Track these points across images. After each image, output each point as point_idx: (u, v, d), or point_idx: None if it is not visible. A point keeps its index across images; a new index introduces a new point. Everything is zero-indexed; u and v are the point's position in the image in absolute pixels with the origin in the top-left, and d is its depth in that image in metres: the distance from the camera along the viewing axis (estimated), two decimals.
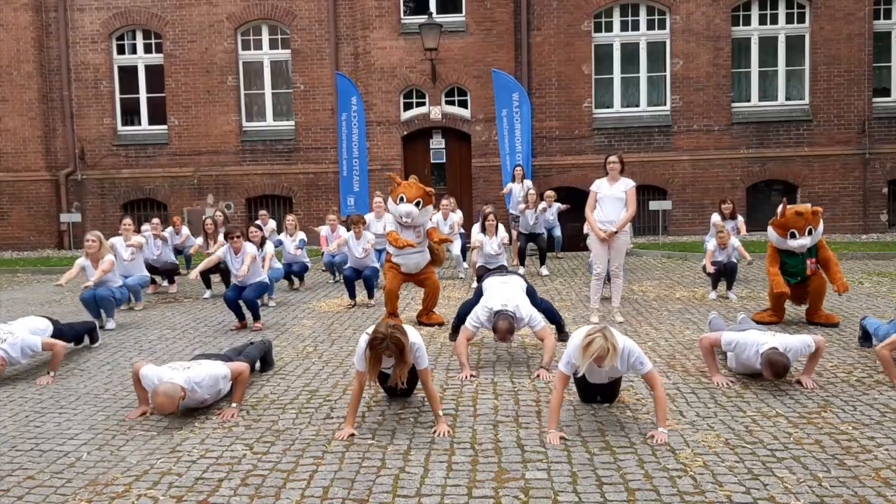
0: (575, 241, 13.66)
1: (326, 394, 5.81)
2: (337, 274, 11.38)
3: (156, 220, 11.27)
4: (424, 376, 5.09)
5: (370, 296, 9.66)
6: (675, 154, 15.54)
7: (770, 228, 7.82)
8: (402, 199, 7.94)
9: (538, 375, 6.08)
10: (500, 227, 9.96)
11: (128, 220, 10.08)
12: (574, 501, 3.87)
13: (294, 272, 10.97)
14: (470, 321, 6.41)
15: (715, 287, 9.55)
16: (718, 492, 3.93)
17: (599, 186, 8.44)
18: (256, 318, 8.39)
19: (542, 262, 12.00)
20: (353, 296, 9.55)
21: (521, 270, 11.61)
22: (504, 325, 6.10)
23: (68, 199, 16.25)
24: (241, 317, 8.39)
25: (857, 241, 14.32)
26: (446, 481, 4.15)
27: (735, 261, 9.59)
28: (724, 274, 9.47)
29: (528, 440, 4.72)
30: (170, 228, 11.78)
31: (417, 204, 7.92)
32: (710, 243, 9.91)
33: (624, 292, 9.05)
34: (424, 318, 8.30)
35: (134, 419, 5.31)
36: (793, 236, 7.57)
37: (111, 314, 8.56)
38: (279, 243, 10.78)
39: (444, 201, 11.87)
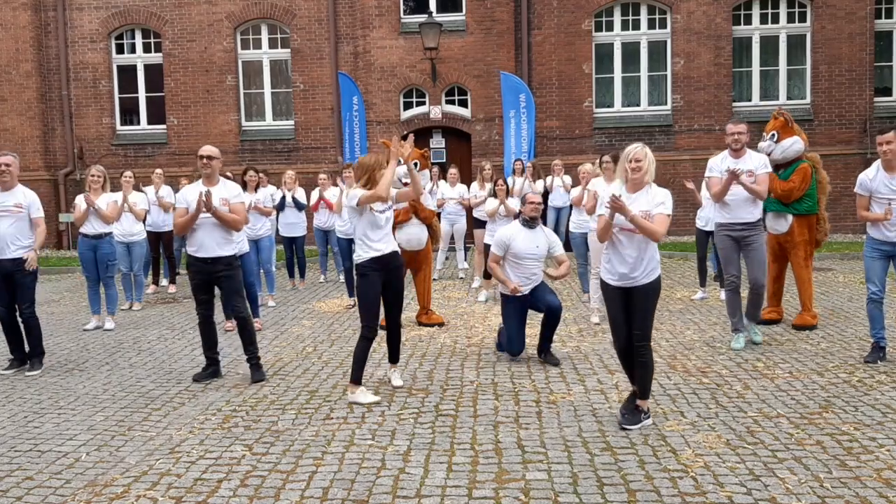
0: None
1: (326, 394, 5.80)
2: (337, 272, 11.38)
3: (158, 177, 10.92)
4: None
5: None
6: (676, 154, 15.52)
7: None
8: (399, 163, 7.85)
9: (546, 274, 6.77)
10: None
11: (128, 174, 9.58)
12: (575, 502, 3.86)
13: (297, 245, 10.84)
14: (493, 246, 6.80)
15: (703, 284, 9.50)
16: (720, 492, 3.91)
17: (596, 186, 8.45)
18: (255, 313, 8.34)
19: None
20: (352, 293, 9.53)
21: None
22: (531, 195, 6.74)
23: (67, 199, 16.23)
24: None
25: (857, 242, 14.29)
26: (446, 482, 4.13)
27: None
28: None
29: (529, 441, 4.70)
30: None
31: (415, 165, 7.81)
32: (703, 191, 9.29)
33: None
34: (424, 319, 8.25)
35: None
36: (763, 139, 7.66)
37: (111, 293, 8.47)
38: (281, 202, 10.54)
39: (451, 170, 12.01)
